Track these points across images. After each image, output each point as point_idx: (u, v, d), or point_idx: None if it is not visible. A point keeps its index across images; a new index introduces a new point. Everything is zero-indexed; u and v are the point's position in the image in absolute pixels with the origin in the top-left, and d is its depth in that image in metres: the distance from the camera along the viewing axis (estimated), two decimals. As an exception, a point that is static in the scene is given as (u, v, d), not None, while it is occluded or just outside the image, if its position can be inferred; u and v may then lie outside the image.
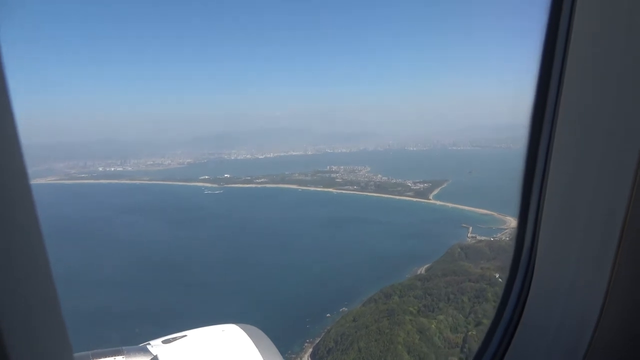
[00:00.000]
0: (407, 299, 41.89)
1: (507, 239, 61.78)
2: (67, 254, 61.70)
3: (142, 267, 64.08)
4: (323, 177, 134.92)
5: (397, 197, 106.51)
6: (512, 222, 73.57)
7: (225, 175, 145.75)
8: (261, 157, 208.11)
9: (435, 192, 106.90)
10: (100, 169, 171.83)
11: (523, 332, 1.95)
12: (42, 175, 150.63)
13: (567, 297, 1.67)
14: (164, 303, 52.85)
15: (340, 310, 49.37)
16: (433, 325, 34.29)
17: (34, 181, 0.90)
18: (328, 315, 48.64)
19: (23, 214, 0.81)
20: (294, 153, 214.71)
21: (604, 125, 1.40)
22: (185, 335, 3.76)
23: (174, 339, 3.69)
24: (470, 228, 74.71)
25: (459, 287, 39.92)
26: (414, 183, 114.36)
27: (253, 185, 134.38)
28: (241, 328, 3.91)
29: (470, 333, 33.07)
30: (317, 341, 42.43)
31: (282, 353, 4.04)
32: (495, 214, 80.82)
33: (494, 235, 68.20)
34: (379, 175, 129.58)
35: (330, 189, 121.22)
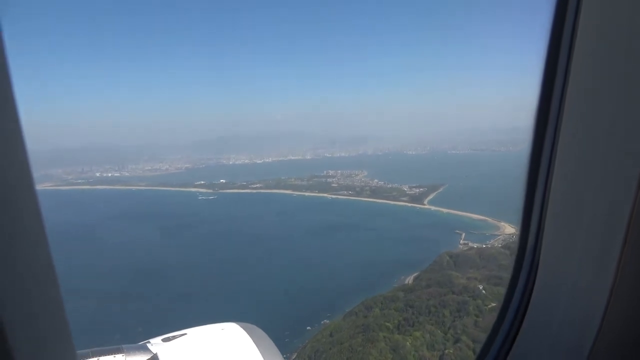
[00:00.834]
0: (387, 312, 39.81)
1: (499, 245, 59.63)
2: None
3: (122, 275, 62.38)
4: (319, 182, 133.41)
5: (392, 202, 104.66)
6: (507, 228, 71.70)
7: (221, 181, 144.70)
8: (260, 161, 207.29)
9: (431, 197, 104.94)
10: (98, 174, 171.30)
11: (527, 331, 1.95)
12: (39, 181, 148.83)
13: (571, 296, 1.67)
14: (139, 313, 51.17)
15: (322, 322, 47.39)
16: (408, 343, 32.16)
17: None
18: (309, 328, 46.64)
19: (27, 214, 0.81)
20: (292, 157, 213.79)
21: (608, 125, 1.40)
22: (185, 334, 3.73)
23: (174, 337, 3.66)
24: (463, 234, 72.74)
25: (441, 300, 37.84)
26: (410, 188, 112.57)
27: (248, 191, 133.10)
28: (241, 327, 3.89)
29: (447, 351, 30.92)
30: (293, 357, 40.38)
31: None
32: (489, 219, 78.98)
33: (487, 242, 66.30)
34: (375, 180, 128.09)
35: (325, 194, 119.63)
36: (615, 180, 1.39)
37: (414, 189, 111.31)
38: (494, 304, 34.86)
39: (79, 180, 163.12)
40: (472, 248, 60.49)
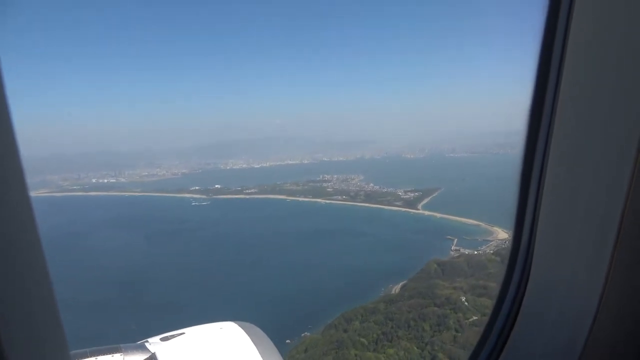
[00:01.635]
0: (367, 325, 38.02)
1: (491, 252, 57.63)
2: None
3: (99, 285, 60.57)
4: (314, 187, 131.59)
5: (386, 207, 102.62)
6: (500, 233, 69.67)
7: (216, 186, 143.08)
8: (257, 166, 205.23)
9: (425, 201, 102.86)
10: (94, 180, 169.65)
11: (521, 327, 1.97)
12: (34, 187, 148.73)
13: (565, 292, 1.68)
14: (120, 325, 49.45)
15: (303, 335, 45.59)
16: (380, 362, 30.36)
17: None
18: (288, 341, 44.65)
19: (20, 216, 0.82)
20: (290, 162, 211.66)
21: (601, 125, 1.41)
22: (184, 333, 3.69)
23: (172, 336, 3.61)
24: (455, 240, 70.69)
25: (421, 313, 35.98)
26: (405, 192, 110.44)
27: (242, 196, 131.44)
28: (239, 326, 3.84)
29: (420, 370, 29.11)
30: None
31: None
32: (483, 224, 77.00)
33: (479, 248, 64.38)
34: (371, 184, 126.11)
35: (319, 199, 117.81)
36: (607, 182, 1.39)
37: (408, 193, 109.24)
38: (475, 318, 33.03)
39: (74, 187, 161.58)
40: (462, 255, 58.65)
